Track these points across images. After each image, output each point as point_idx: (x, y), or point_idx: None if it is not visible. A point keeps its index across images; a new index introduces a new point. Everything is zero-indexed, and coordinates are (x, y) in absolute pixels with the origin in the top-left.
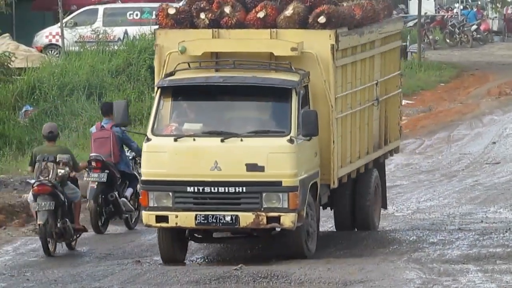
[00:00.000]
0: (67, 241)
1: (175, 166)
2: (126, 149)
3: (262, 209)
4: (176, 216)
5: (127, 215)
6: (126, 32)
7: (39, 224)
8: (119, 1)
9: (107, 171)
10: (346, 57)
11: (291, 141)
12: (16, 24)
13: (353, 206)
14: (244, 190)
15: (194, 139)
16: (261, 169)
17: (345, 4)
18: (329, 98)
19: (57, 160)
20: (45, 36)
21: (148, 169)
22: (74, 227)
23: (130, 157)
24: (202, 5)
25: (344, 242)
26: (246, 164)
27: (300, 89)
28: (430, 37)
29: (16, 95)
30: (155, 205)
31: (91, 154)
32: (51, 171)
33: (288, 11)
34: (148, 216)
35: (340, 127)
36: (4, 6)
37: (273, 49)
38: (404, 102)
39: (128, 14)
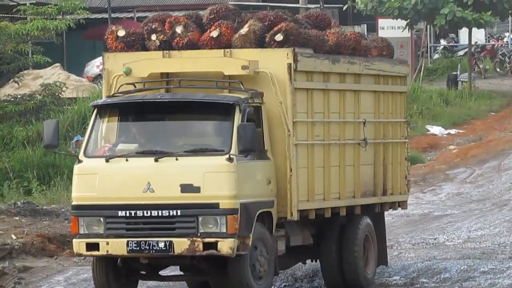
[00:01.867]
0: None
1: (106, 189)
2: None
3: (199, 234)
4: (107, 243)
5: None
6: None
7: None
8: None
9: None
10: (312, 82)
11: (230, 159)
12: (67, 54)
13: (340, 258)
14: (179, 214)
15: (126, 160)
16: (197, 190)
17: (331, 30)
18: (286, 121)
19: None
20: (95, 66)
21: (78, 193)
22: None
23: None
24: (153, 26)
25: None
26: (181, 185)
27: (246, 107)
28: (481, 66)
29: (67, 125)
30: (86, 232)
31: None
32: None
33: (244, 30)
34: (78, 244)
35: (305, 156)
36: (55, 36)
37: (223, 68)
38: (454, 131)
39: None
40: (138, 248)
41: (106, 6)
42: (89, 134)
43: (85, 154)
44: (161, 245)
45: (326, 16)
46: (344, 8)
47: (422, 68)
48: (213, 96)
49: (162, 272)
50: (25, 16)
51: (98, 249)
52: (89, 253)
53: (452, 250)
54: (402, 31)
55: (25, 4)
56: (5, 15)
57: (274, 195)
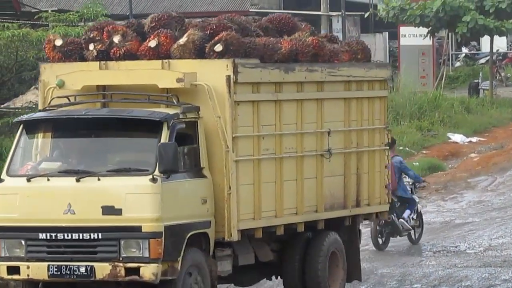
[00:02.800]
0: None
1: (27, 210)
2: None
3: (121, 259)
4: (28, 267)
5: (405, 234)
6: None
7: None
8: None
9: None
10: (259, 93)
11: (153, 180)
12: None
13: (303, 275)
14: (100, 237)
15: (48, 179)
16: (118, 212)
17: (286, 37)
18: (224, 137)
19: None
20: None
21: None
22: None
23: (410, 183)
24: (92, 35)
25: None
26: (102, 207)
27: (176, 123)
28: (502, 74)
29: None
30: (7, 254)
31: None
32: None
33: (182, 39)
34: None
35: (250, 172)
36: None
37: (157, 80)
38: (475, 139)
39: None
40: (59, 273)
41: (128, 14)
42: (13, 152)
43: (7, 173)
44: (82, 270)
45: (291, 19)
46: (366, 15)
47: (444, 76)
48: (139, 112)
49: None
50: (47, 23)
51: (19, 273)
52: (10, 277)
53: (473, 258)
54: (424, 38)
55: (47, 11)
56: (27, 22)
57: (210, 215)
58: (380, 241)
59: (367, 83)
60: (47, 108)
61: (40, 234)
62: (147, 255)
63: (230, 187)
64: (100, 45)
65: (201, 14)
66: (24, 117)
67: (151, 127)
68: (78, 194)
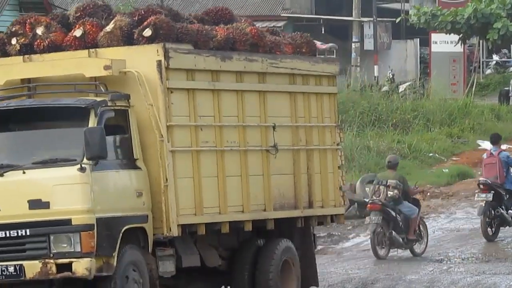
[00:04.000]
0: (403, 247)
1: None
2: None
3: (51, 255)
4: None
5: None
6: None
7: (370, 234)
8: None
9: (492, 191)
10: (193, 81)
11: (82, 169)
12: None
13: (253, 285)
14: (28, 233)
15: None
16: (46, 205)
17: (222, 26)
18: (159, 126)
19: (387, 184)
20: None
21: None
22: (407, 237)
23: None
24: (14, 29)
25: None
26: (29, 201)
27: (105, 111)
28: None
29: None
30: None
31: (480, 179)
32: (382, 192)
33: (109, 27)
34: None
35: (189, 165)
36: None
37: (84, 69)
38: (505, 146)
39: None
40: None
41: None
42: None
43: None
44: (11, 269)
45: (228, 11)
46: (397, 20)
47: (474, 83)
48: (63, 100)
49: None
50: None
51: None
52: None
53: (502, 265)
54: (455, 45)
55: None
56: None
57: (147, 209)
58: (490, 232)
59: (314, 78)
60: None
61: None
62: (78, 249)
63: (166, 179)
64: (23, 39)
65: None
66: None
67: (77, 115)
68: (2, 189)
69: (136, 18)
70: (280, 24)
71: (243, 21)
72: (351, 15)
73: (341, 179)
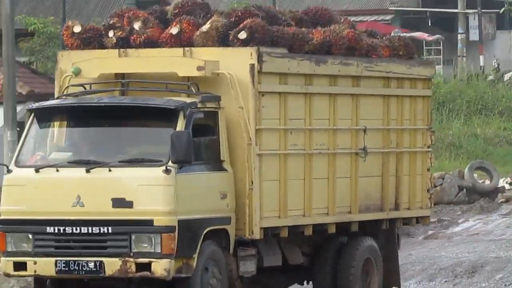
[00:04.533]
0: None
1: (35, 202)
2: None
3: (131, 254)
4: (35, 263)
5: None
6: None
7: None
8: None
9: None
10: (286, 85)
11: (167, 171)
12: None
13: (335, 278)
14: (110, 231)
15: (57, 170)
16: (129, 205)
17: (319, 28)
18: (248, 129)
19: None
20: None
21: (6, 206)
22: None
23: None
24: (111, 22)
25: None
26: (112, 199)
27: (194, 112)
28: None
29: None
30: (14, 249)
31: None
32: None
33: (205, 26)
34: (6, 264)
35: (276, 167)
36: None
37: (177, 68)
38: None
39: None
40: (67, 269)
41: None
42: (23, 141)
43: (16, 164)
44: (91, 265)
45: (327, 12)
46: (501, 11)
47: None
48: (154, 100)
49: None
50: None
51: (25, 269)
52: (16, 273)
53: None
54: None
55: None
56: None
57: (231, 211)
58: None
59: (409, 81)
60: (61, 96)
61: (48, 228)
62: (159, 250)
63: (252, 182)
64: (120, 32)
65: (341, 12)
66: (35, 105)
67: (166, 116)
68: (88, 186)
69: (233, 19)
70: (388, 17)
71: (342, 20)
72: (457, 7)
73: (430, 181)
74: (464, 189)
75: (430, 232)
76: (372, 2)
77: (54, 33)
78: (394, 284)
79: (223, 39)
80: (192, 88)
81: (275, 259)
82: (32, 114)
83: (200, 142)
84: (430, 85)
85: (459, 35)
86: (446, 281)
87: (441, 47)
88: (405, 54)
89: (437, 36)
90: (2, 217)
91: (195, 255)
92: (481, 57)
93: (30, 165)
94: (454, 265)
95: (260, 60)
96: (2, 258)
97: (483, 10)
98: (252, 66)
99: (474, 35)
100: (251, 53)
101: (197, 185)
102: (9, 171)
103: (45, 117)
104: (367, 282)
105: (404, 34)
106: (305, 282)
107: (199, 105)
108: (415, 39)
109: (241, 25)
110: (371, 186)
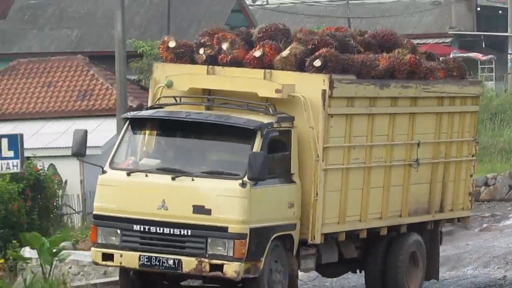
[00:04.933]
0: None
1: (124, 202)
2: None
3: (207, 255)
4: (121, 256)
5: None
6: None
7: None
8: None
9: None
10: (353, 107)
11: (243, 185)
12: None
13: (384, 271)
14: (189, 233)
15: (146, 175)
16: (208, 212)
17: (385, 54)
18: (316, 147)
19: None
20: None
21: (99, 203)
22: None
23: None
24: (202, 40)
25: None
26: (193, 206)
27: (270, 132)
28: None
29: None
30: (103, 241)
31: None
32: None
33: (285, 52)
34: (95, 253)
35: (338, 180)
36: None
37: (257, 89)
38: None
39: None
40: (149, 263)
41: None
42: (118, 146)
43: (110, 166)
44: (171, 262)
45: (392, 36)
46: None
47: None
48: (235, 120)
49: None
50: None
51: (112, 260)
52: (104, 263)
53: None
54: None
55: None
56: None
57: (296, 218)
58: None
59: (460, 99)
60: (154, 106)
61: (135, 226)
62: (231, 254)
63: (317, 194)
64: (209, 50)
65: (407, 35)
66: (130, 114)
67: (245, 134)
68: (172, 192)
69: (310, 47)
70: (448, 40)
71: (405, 42)
72: (507, 31)
73: (471, 185)
74: None
75: (484, 225)
76: (434, 27)
77: (160, 55)
78: (433, 275)
79: (300, 64)
80: (270, 109)
81: (332, 256)
82: (127, 122)
83: (273, 157)
84: (478, 102)
85: (509, 55)
86: (498, 267)
87: (493, 66)
88: (458, 74)
89: (490, 56)
90: (95, 212)
91: (263, 258)
92: None
93: (123, 168)
94: (506, 253)
95: (331, 86)
96: (93, 248)
97: None
98: (324, 91)
99: None
100: (324, 80)
101: (269, 197)
102: (103, 172)
103: (138, 126)
104: (412, 272)
105: (461, 54)
106: (357, 271)
107: (275, 125)
108: (471, 59)
109: (317, 53)
110: (421, 192)
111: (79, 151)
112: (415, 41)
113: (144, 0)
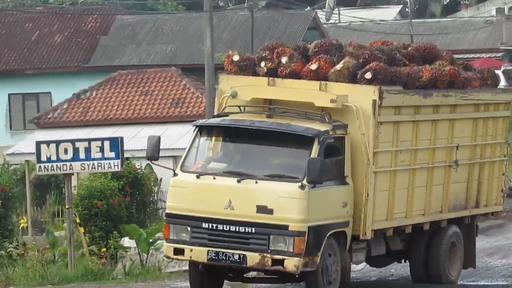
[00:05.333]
0: None
1: (194, 202)
2: None
3: (269, 251)
4: (191, 250)
5: None
6: None
7: None
8: None
9: None
10: (400, 115)
11: (302, 187)
12: None
13: (426, 260)
14: (253, 231)
15: (214, 178)
16: (270, 211)
17: (427, 66)
18: (367, 152)
19: None
20: None
21: (171, 203)
22: None
23: None
24: (264, 54)
25: None
26: (257, 206)
27: (326, 139)
28: None
29: None
30: (175, 237)
31: None
32: None
33: (339, 65)
34: (168, 248)
35: (387, 181)
36: None
37: (314, 99)
38: None
39: None
40: (216, 258)
41: None
42: (188, 150)
43: (181, 169)
44: (236, 257)
45: (433, 49)
46: None
47: None
48: (295, 128)
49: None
50: None
51: (183, 254)
52: (175, 256)
53: None
54: None
55: None
56: None
57: (349, 216)
58: None
59: (493, 105)
60: (220, 114)
61: (203, 224)
62: (291, 250)
63: (368, 194)
64: (270, 64)
65: (463, 51)
66: (200, 121)
67: (304, 141)
68: (238, 193)
69: (361, 60)
70: (499, 54)
71: (444, 54)
72: None
73: (504, 183)
74: None
75: None
76: (487, 43)
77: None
78: (470, 264)
79: (352, 77)
80: (326, 117)
81: (380, 249)
82: (197, 129)
83: (329, 161)
84: (510, 107)
85: None
86: None
87: None
88: (492, 83)
89: None
90: (168, 211)
91: (319, 253)
92: None
93: (193, 171)
94: None
95: (381, 96)
96: (165, 244)
97: None
98: (374, 101)
99: None
100: (374, 91)
101: (325, 198)
102: (175, 174)
103: (207, 132)
104: (451, 262)
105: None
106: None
107: (330, 132)
108: None
109: (367, 66)
110: (459, 190)
111: (153, 155)
112: (470, 56)
113: (230, 19)
